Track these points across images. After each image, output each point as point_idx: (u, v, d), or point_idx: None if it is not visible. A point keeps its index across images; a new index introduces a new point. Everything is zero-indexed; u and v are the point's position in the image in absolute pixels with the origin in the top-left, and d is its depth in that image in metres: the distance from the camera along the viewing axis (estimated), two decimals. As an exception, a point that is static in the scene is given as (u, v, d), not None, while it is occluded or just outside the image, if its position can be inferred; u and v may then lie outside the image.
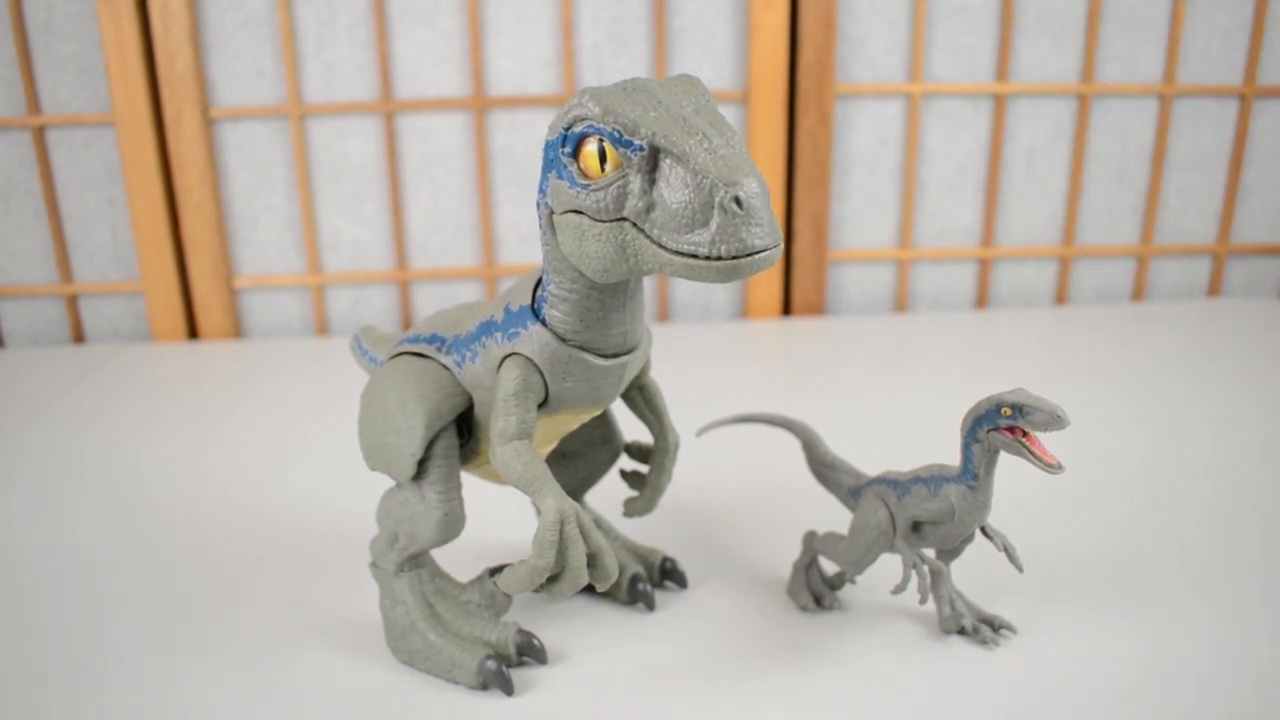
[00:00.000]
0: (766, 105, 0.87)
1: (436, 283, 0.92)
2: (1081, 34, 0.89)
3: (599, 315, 0.33)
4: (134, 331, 0.92)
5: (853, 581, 0.43)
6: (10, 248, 0.89)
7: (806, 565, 0.43)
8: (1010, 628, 0.40)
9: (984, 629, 0.39)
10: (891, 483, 0.39)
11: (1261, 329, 0.84)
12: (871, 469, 0.54)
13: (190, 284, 0.90)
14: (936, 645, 0.39)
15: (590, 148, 0.29)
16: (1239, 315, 0.88)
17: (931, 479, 0.38)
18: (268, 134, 0.87)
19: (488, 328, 0.36)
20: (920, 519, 0.38)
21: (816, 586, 0.42)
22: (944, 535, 0.38)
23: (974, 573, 0.44)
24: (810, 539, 0.42)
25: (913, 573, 0.40)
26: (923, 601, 0.38)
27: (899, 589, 0.38)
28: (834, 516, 0.51)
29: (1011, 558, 0.38)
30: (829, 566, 0.45)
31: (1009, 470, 0.55)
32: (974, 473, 0.36)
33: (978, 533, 0.41)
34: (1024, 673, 0.38)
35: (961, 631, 0.40)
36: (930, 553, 0.43)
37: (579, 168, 0.30)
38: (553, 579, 0.33)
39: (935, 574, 0.39)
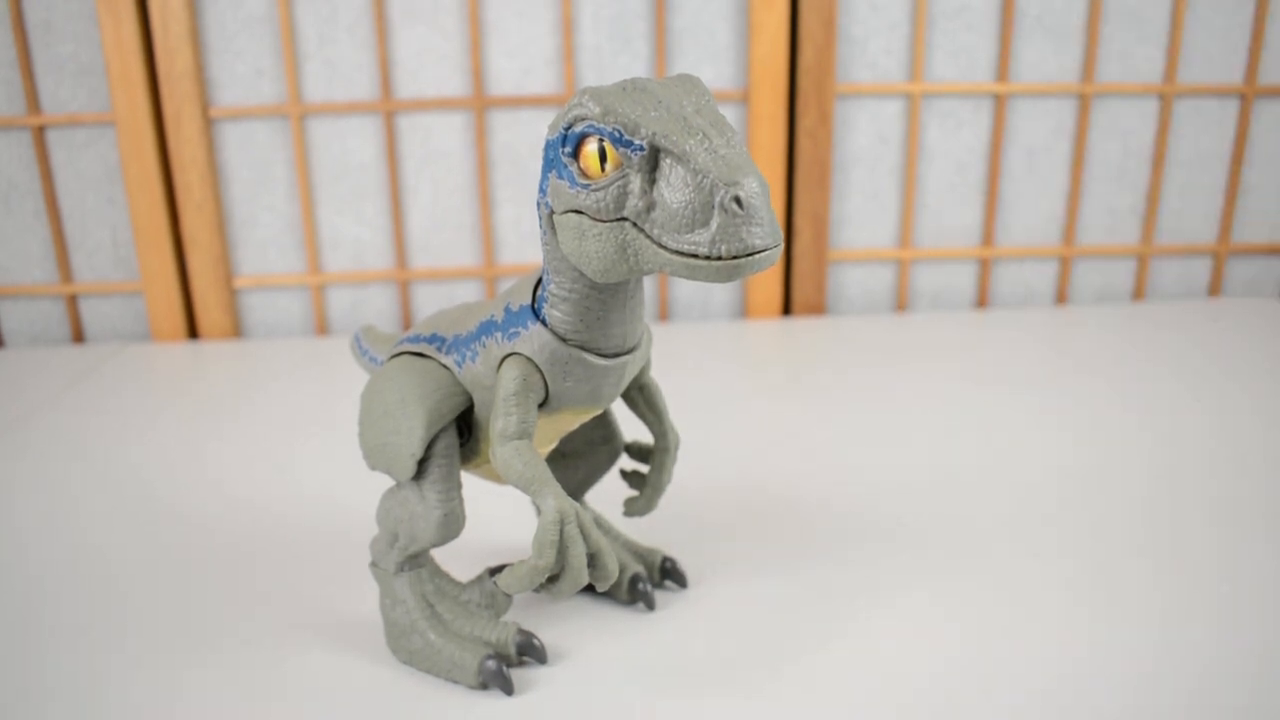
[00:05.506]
0: (767, 105, 0.87)
1: (436, 282, 0.92)
2: (1082, 34, 0.89)
3: (599, 315, 0.33)
4: (134, 331, 0.92)
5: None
6: (10, 247, 0.89)
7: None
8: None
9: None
10: None
11: (1261, 329, 0.84)
12: (871, 468, 0.54)
13: (190, 284, 0.90)
14: (937, 642, 0.39)
15: (590, 147, 0.29)
16: (1239, 315, 0.88)
17: None
18: (268, 133, 0.87)
19: (488, 327, 0.36)
20: None
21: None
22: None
23: (974, 569, 0.44)
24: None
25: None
26: None
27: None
28: (834, 515, 0.51)
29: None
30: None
31: (1010, 474, 0.54)
32: None
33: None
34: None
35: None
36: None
37: (579, 167, 0.30)
38: (553, 579, 0.33)
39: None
